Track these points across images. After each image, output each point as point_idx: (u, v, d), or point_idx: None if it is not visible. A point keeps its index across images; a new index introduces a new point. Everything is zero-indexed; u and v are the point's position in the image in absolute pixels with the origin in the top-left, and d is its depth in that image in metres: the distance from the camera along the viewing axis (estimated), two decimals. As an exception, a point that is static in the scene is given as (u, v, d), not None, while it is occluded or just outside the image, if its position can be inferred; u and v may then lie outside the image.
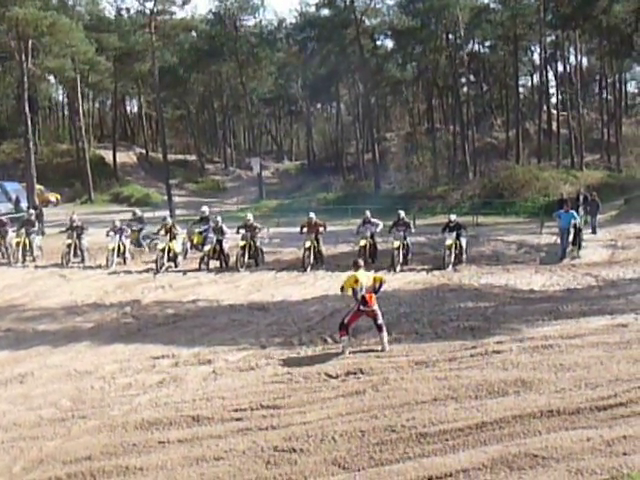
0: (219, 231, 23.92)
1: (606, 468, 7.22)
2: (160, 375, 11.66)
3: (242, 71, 65.69)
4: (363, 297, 12.85)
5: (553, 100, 69.31)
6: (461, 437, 8.35)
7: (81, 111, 63.91)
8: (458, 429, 8.54)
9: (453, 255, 23.06)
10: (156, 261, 23.26)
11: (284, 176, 72.25)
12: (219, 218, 24.74)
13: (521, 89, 70.43)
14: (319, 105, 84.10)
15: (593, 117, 68.82)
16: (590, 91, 78.02)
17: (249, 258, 23.71)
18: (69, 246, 24.74)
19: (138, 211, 27.84)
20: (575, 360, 11.14)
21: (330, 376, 11.19)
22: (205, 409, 9.72)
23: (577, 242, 24.42)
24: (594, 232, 29.35)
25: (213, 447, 8.38)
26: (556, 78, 69.98)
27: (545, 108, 62.18)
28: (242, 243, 23.57)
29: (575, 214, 25.08)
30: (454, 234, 23.28)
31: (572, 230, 24.17)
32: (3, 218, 27.40)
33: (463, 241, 23.64)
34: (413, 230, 24.54)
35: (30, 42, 46.41)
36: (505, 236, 29.33)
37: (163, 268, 23.10)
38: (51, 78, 71.33)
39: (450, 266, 22.64)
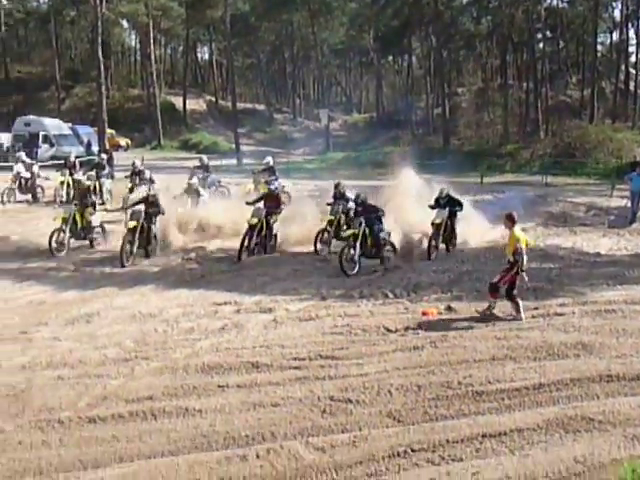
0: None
1: (663, 436, 7.16)
2: (222, 321, 11.88)
3: (313, 21, 65.06)
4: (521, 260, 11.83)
5: (632, 59, 67.15)
6: (517, 397, 8.35)
7: (153, 57, 64.33)
8: (515, 389, 8.54)
9: (441, 238, 18.20)
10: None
11: (352, 128, 71.83)
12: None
13: (599, 47, 68.15)
14: (390, 57, 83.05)
15: (673, 77, 66.60)
16: (672, 50, 75.29)
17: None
18: (132, 190, 25.07)
19: (205, 158, 28.04)
20: (638, 326, 10.98)
21: (389, 330, 11.24)
22: (264, 356, 9.88)
23: (648, 206, 23.80)
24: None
25: (271, 393, 8.54)
26: (637, 36, 67.69)
27: (623, 67, 60.30)
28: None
29: (648, 177, 24.43)
30: (446, 211, 18.23)
31: (644, 194, 23.55)
32: (76, 161, 28.09)
33: (456, 221, 18.75)
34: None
35: (105, -14, 46.84)
36: (574, 197, 28.79)
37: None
38: (124, 23, 72.09)
39: (434, 254, 17.72)
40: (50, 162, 34.72)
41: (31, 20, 78.29)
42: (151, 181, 23.77)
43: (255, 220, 17.75)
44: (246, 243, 17.50)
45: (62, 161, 29.84)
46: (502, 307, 12.12)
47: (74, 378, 9.05)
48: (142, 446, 7.22)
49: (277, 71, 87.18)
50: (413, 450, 7.05)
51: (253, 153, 52.13)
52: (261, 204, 18.32)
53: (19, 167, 27.25)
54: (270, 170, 25.24)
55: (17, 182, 26.88)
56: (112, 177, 28.58)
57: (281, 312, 12.48)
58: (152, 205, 17.76)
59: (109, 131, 49.48)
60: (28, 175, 27.15)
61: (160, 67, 75.22)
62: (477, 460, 6.91)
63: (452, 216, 18.36)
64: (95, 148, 43.29)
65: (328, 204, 19.18)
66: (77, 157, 29.98)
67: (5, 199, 26.28)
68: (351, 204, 17.99)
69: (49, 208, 24.67)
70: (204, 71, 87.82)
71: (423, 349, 10.17)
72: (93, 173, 25.81)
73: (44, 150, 43.21)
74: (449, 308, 12.60)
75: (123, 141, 57.25)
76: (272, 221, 18.20)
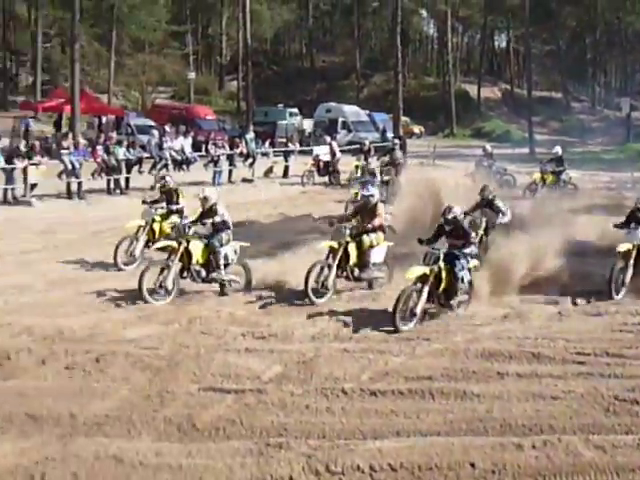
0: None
1: None
2: (504, 310, 11.83)
3: (619, 4, 61.75)
4: None
5: None
6: None
7: (450, 45, 64.76)
8: None
9: (630, 271, 12.65)
10: None
11: (660, 118, 67.41)
12: None
13: None
14: None
15: None
16: None
17: None
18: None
19: (488, 147, 27.80)
20: None
21: (687, 333, 10.50)
22: (547, 348, 9.66)
23: None
24: None
25: (551, 386, 8.35)
26: None
27: None
28: None
29: None
30: (638, 232, 12.86)
31: None
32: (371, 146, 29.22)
33: None
34: None
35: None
36: None
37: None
38: (423, 12, 73.05)
39: (622, 293, 12.56)
40: (347, 147, 36.26)
41: (336, 12, 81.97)
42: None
43: (333, 244, 12.13)
44: (313, 279, 11.76)
45: (358, 146, 31.09)
46: None
47: (359, 352, 9.47)
48: (419, 423, 7.39)
49: (577, 58, 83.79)
50: None
51: (546, 142, 50.56)
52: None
53: (319, 150, 28.93)
54: (558, 160, 24.63)
55: (316, 165, 28.44)
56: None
57: (567, 305, 12.15)
58: (212, 215, 12.13)
59: (404, 119, 50.57)
60: (328, 158, 28.64)
61: (456, 55, 75.44)
62: None
63: None
64: (389, 134, 44.47)
65: (466, 213, 13.31)
66: (372, 143, 31.02)
67: (305, 180, 27.98)
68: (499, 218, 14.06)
69: (343, 190, 25.85)
70: (500, 59, 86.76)
71: None
72: (386, 158, 26.60)
73: (342, 135, 45.11)
74: None
75: (417, 128, 58.25)
76: (367, 244, 12.33)
